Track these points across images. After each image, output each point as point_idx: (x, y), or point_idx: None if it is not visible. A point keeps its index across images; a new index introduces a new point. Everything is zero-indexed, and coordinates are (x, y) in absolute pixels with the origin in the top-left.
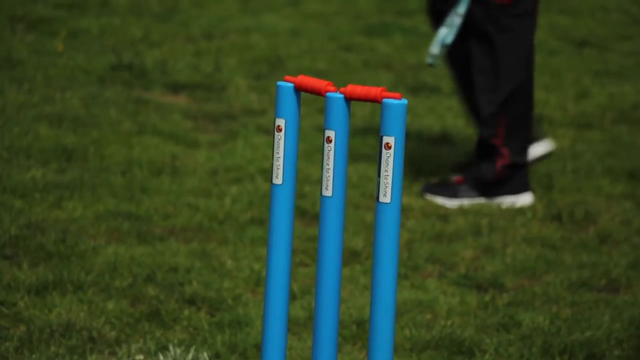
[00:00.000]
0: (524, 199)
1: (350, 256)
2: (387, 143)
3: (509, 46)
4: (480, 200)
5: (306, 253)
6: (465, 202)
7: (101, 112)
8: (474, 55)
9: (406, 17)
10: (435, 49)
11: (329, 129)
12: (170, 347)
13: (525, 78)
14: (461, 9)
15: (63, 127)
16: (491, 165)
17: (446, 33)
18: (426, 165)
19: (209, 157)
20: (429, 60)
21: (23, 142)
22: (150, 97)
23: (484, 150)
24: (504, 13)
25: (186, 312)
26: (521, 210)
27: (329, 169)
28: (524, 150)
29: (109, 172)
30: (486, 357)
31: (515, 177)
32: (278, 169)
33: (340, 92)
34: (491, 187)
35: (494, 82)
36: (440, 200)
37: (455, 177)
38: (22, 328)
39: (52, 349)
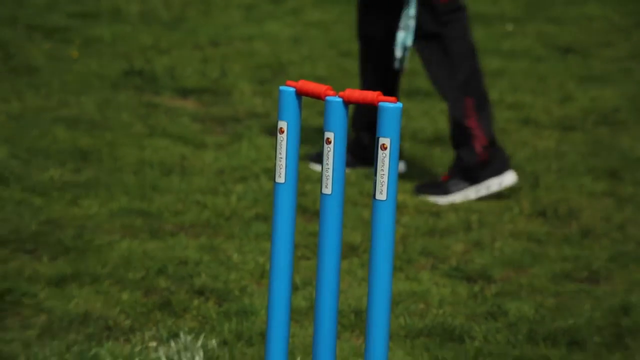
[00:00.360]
0: (509, 178)
1: (348, 250)
2: (383, 144)
3: (456, 35)
4: (471, 190)
5: (307, 247)
6: (458, 195)
7: (114, 116)
8: (425, 54)
9: None
10: (399, 52)
11: (329, 130)
12: (181, 335)
13: (475, 62)
14: (412, 11)
15: (79, 129)
16: (470, 150)
17: (405, 36)
18: (420, 165)
19: (216, 158)
20: (396, 64)
21: (41, 144)
22: (160, 101)
23: (460, 135)
24: (445, 10)
25: (195, 302)
26: (508, 207)
27: (328, 168)
28: (492, 127)
29: (122, 171)
30: (475, 344)
31: (495, 157)
32: (280, 168)
33: (339, 96)
34: (477, 172)
35: (452, 70)
36: (433, 199)
37: (442, 175)
38: (44, 317)
39: (71, 336)
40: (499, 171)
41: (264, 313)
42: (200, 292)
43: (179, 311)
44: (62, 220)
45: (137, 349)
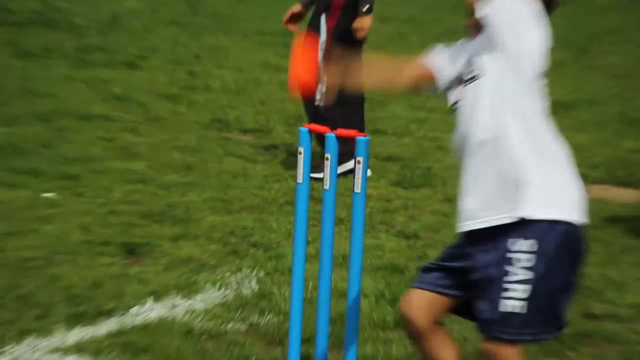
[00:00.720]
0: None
1: (338, 221)
2: (359, 160)
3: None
4: (339, 168)
5: (315, 219)
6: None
7: (205, 145)
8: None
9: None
10: (318, 96)
11: (327, 152)
12: (243, 269)
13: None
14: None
15: (185, 152)
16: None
17: (321, 87)
18: (378, 173)
19: (263, 168)
20: (319, 103)
21: (165, 160)
22: (231, 136)
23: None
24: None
25: (252, 250)
26: (429, 196)
27: (327, 174)
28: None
29: (210, 176)
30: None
31: (348, 150)
32: (300, 174)
33: (334, 133)
34: (340, 158)
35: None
36: (320, 175)
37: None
38: (165, 259)
39: (181, 270)
40: (350, 158)
41: (290, 257)
42: (254, 245)
43: (242, 256)
44: (177, 203)
45: (219, 277)
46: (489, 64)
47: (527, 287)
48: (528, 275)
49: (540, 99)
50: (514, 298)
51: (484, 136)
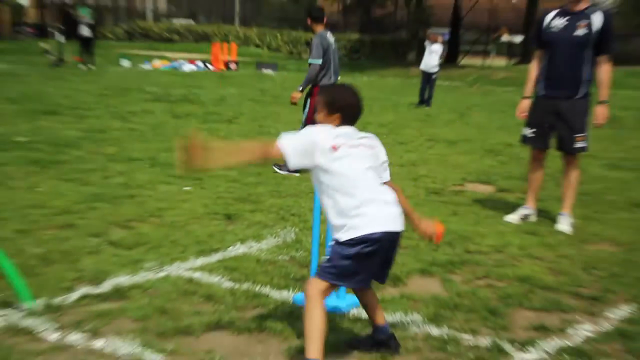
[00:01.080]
0: (295, 173)
1: None
2: None
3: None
4: (286, 172)
5: None
6: (283, 172)
7: (265, 170)
8: None
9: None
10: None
11: None
12: (287, 227)
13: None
14: (305, 110)
15: (257, 166)
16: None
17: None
18: None
19: (299, 175)
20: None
21: (247, 169)
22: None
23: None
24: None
25: (292, 217)
26: None
27: None
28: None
29: (270, 178)
30: None
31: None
32: None
33: None
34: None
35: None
36: (277, 170)
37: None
38: (246, 222)
39: (255, 228)
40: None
41: (312, 221)
42: (293, 214)
43: (286, 220)
44: (253, 193)
45: (274, 231)
46: (313, 175)
47: (329, 257)
48: (329, 253)
49: (346, 174)
50: (325, 259)
51: (323, 209)
